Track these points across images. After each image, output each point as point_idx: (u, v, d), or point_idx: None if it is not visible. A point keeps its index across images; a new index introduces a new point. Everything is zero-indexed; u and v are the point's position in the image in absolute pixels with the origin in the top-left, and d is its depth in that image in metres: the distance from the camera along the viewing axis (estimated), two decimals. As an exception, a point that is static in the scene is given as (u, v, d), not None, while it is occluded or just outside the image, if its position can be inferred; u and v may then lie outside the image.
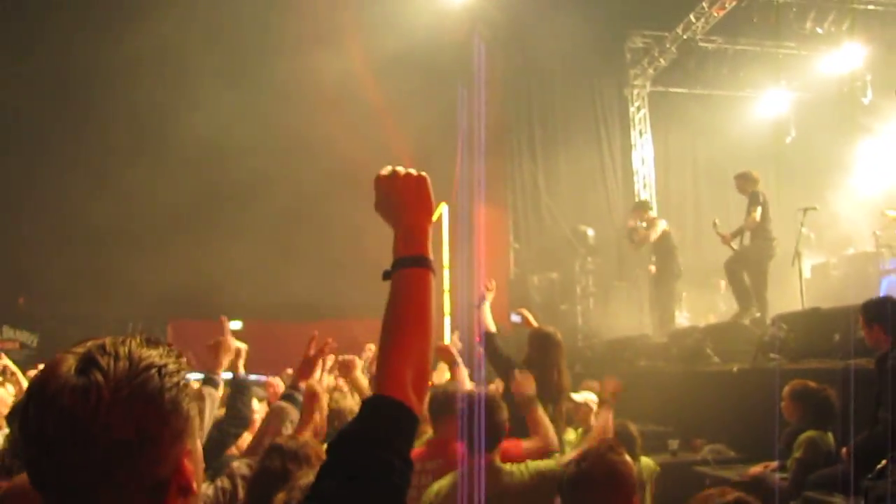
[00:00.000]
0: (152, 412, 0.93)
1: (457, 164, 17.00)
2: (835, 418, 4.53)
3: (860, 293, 9.67)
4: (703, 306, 11.93)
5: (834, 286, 10.56)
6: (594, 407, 5.55)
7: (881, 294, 8.05)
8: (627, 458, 2.49)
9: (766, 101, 13.60)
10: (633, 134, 14.16)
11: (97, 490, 0.91)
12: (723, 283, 10.78)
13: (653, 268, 9.91)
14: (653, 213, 10.23)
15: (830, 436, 4.52)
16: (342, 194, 9.99)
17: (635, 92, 14.15)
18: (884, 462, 3.83)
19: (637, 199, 12.78)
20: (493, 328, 4.50)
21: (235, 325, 7.36)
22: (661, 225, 9.73)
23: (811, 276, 11.04)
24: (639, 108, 14.20)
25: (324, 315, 10.08)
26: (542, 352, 4.34)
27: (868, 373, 4.74)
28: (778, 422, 4.98)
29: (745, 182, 8.36)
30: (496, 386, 4.57)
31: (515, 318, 7.06)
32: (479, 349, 4.44)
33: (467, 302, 14.54)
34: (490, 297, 4.54)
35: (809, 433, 4.67)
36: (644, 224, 9.87)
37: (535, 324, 4.87)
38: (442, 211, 16.83)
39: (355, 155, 9.94)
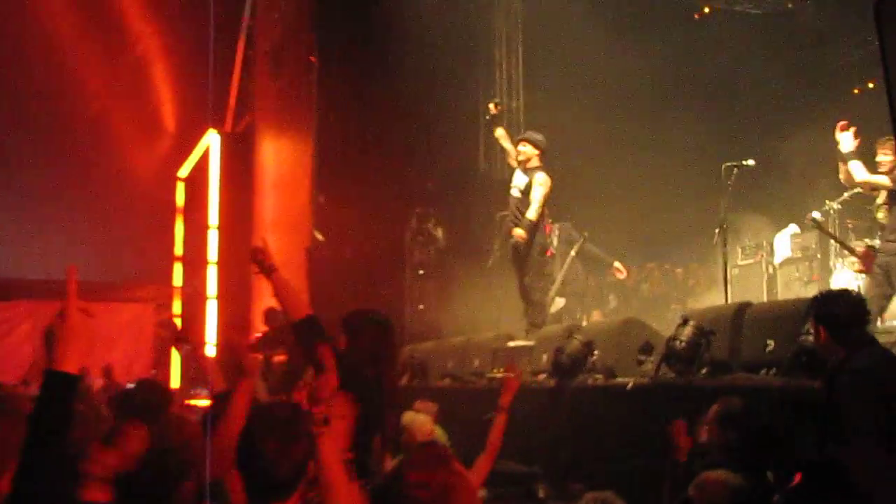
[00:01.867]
0: None
1: (234, 78, 16.51)
2: (773, 457, 4.60)
3: (807, 287, 10.59)
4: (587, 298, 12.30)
5: (772, 276, 11.40)
6: (422, 434, 5.58)
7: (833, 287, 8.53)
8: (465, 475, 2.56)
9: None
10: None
11: None
12: (619, 265, 11.34)
13: (519, 233, 9.65)
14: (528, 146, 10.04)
15: (770, 477, 4.59)
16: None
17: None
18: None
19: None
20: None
21: None
22: (540, 184, 9.64)
23: (742, 259, 11.98)
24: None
25: None
26: (378, 345, 4.42)
27: (811, 393, 4.89)
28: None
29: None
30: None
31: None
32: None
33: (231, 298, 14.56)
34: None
35: (724, 474, 4.67)
36: (521, 154, 9.85)
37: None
38: (210, 142, 16.22)
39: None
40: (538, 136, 9.90)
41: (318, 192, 13.18)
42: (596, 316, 13.27)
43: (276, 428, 2.96)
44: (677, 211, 13.38)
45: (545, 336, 8.81)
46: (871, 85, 13.79)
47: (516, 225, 9.60)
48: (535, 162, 9.73)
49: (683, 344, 6.36)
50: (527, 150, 9.77)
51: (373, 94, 13.30)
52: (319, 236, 12.90)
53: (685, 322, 6.49)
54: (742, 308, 6.47)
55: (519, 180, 9.78)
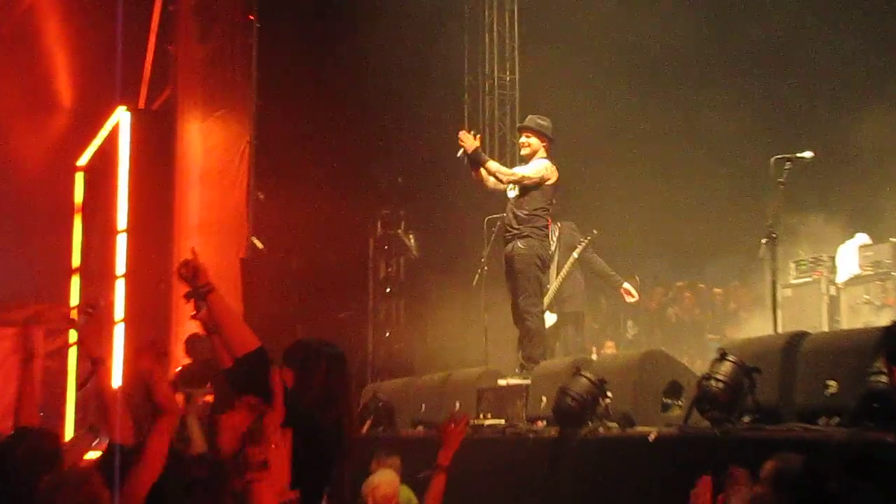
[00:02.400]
0: None
1: (150, 41, 16.42)
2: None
3: (880, 313, 10.70)
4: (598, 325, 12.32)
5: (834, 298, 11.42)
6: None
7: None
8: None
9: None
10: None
11: None
12: (629, 287, 11.30)
13: (517, 245, 9.74)
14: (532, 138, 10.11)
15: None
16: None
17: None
18: None
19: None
20: None
21: None
22: (542, 166, 9.73)
23: (795, 278, 12.08)
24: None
25: None
26: (333, 384, 4.44)
27: (885, 449, 4.97)
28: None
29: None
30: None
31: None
32: None
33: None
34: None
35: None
36: (524, 146, 9.93)
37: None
38: (118, 122, 16.11)
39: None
40: (543, 122, 9.90)
41: (257, 188, 13.16)
42: (609, 348, 13.35)
43: (194, 489, 2.96)
44: (713, 216, 13.45)
45: (545, 373, 8.76)
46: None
47: (512, 235, 9.66)
48: (542, 154, 9.78)
49: (721, 384, 6.35)
50: (531, 141, 9.82)
51: (328, 63, 13.35)
52: (258, 244, 12.88)
53: (723, 357, 6.47)
54: (796, 339, 6.46)
55: None
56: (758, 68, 14.93)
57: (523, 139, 9.92)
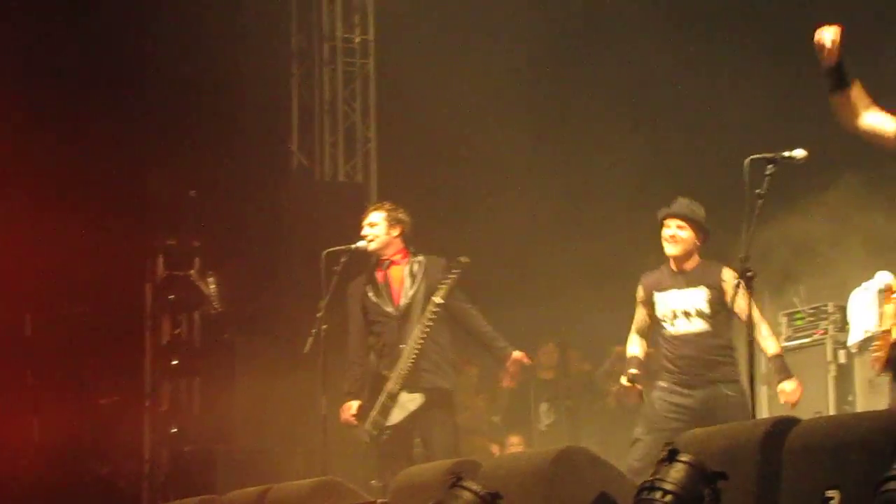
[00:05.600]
0: None
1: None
2: None
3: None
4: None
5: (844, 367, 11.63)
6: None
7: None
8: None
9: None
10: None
11: None
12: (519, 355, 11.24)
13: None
14: None
15: None
16: None
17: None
18: None
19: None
20: None
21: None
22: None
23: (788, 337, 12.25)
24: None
25: None
26: None
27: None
28: None
29: None
30: None
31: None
32: None
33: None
34: None
35: None
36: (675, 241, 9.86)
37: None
38: None
39: None
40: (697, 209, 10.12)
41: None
42: (515, 445, 13.35)
43: None
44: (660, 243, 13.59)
45: (411, 483, 8.65)
46: None
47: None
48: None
49: (669, 497, 6.25)
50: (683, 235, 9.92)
51: (84, 27, 13.54)
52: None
53: (673, 456, 6.37)
54: (781, 429, 6.39)
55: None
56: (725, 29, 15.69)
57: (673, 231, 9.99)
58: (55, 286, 12.84)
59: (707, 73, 14.89)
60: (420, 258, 10.91)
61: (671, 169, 14.25)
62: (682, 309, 9.80)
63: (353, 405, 10.66)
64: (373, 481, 10.26)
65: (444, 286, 10.43)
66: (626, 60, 15.86)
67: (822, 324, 11.95)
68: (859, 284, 11.89)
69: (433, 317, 10.45)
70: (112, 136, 13.12)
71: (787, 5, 14.78)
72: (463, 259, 10.54)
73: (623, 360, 14.70)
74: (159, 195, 13.32)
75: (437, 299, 10.41)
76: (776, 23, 15.49)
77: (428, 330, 10.46)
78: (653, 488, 6.29)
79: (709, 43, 15.28)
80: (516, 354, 10.85)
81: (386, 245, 10.74)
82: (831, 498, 5.76)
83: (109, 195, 13.15)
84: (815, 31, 8.34)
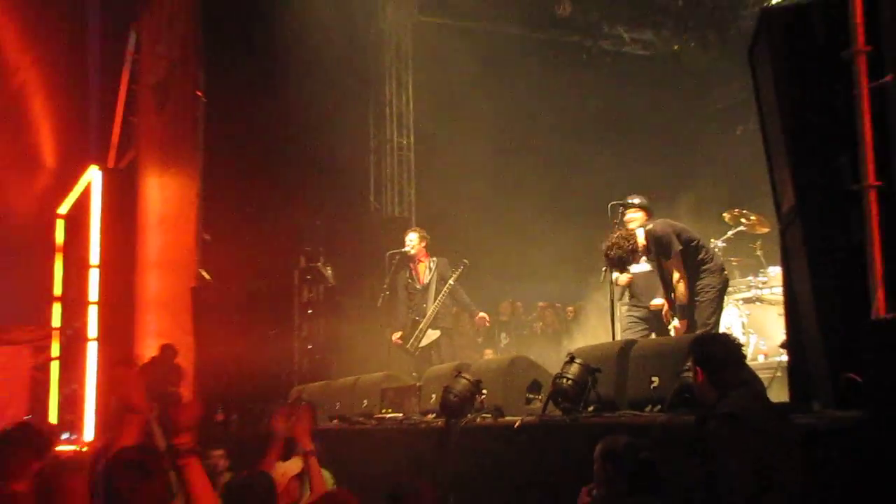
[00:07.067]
0: None
1: (117, 113, 16.17)
2: (658, 490, 4.65)
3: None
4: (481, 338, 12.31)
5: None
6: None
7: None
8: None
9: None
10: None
11: None
12: (484, 315, 11.61)
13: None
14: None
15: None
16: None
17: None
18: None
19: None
20: None
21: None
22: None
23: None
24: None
25: None
26: None
27: (688, 425, 4.99)
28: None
29: None
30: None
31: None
32: None
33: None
34: None
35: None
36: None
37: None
38: (91, 178, 15.79)
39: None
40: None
41: (204, 230, 12.91)
42: (487, 355, 13.43)
43: (128, 467, 2.95)
44: (572, 249, 13.54)
45: (433, 376, 8.82)
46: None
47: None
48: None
49: (570, 382, 6.38)
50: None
51: (260, 130, 13.22)
52: (205, 275, 12.65)
53: (572, 360, 6.52)
54: (627, 346, 6.57)
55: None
56: (616, 132, 15.42)
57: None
58: (249, 271, 12.64)
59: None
60: (434, 258, 11.20)
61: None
62: None
63: (399, 334, 10.94)
64: (413, 373, 10.40)
65: (455, 274, 10.79)
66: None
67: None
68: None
69: (446, 290, 10.79)
70: (280, 192, 13.15)
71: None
72: (465, 261, 10.94)
73: (545, 311, 14.97)
74: (302, 223, 13.25)
75: (451, 281, 10.78)
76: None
77: (442, 297, 10.77)
78: (561, 377, 6.50)
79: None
80: (481, 315, 11.30)
81: (417, 251, 10.98)
82: (654, 381, 5.99)
83: (277, 223, 12.99)
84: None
